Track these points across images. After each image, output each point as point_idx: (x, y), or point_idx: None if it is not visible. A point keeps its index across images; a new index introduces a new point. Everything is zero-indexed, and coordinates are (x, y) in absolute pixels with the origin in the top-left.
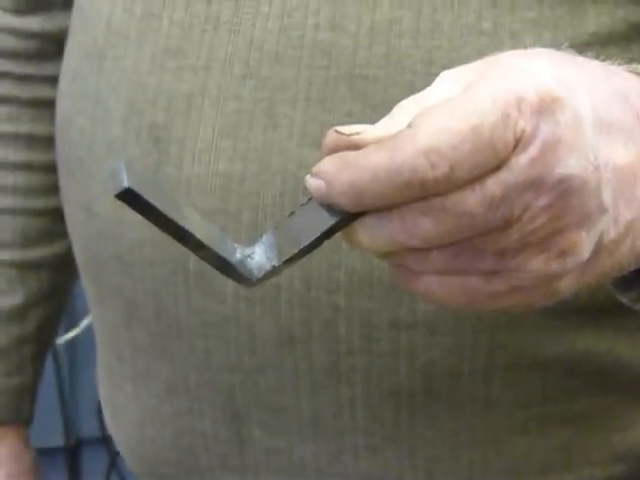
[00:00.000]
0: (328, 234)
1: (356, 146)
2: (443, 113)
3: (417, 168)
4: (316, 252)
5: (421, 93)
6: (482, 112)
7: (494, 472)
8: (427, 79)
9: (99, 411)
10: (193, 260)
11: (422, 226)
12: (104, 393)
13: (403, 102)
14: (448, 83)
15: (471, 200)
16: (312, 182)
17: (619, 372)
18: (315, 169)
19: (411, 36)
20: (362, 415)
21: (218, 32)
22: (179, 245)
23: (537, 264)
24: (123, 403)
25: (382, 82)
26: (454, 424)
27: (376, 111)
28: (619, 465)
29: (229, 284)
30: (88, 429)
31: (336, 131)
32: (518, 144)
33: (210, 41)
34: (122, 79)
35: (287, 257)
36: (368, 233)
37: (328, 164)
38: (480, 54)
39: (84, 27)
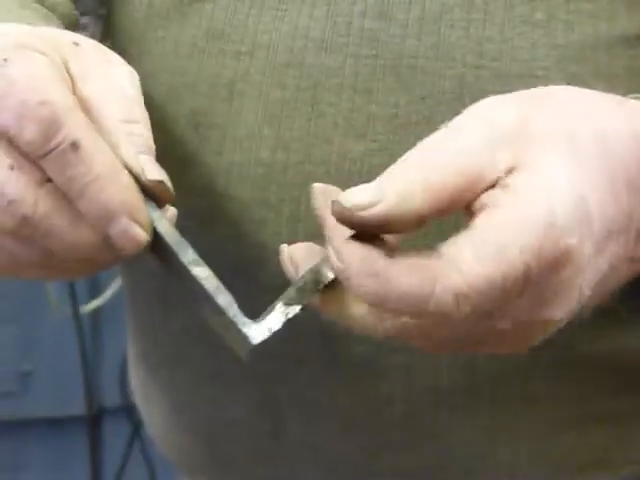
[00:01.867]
0: None
1: (361, 224)
2: (474, 253)
3: (443, 304)
4: None
5: (436, 138)
6: (510, 262)
7: (533, 470)
8: (477, 72)
9: (122, 380)
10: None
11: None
12: (137, 379)
13: (414, 154)
14: (470, 132)
15: (473, 326)
16: (336, 264)
17: None
18: (341, 255)
19: (462, 26)
20: (401, 411)
21: (263, 17)
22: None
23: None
24: (157, 389)
25: (430, 73)
26: (494, 421)
27: (424, 103)
28: None
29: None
30: (111, 398)
31: (338, 204)
32: (525, 290)
33: (254, 26)
34: (162, 63)
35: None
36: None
37: (356, 262)
38: (533, 46)
39: (124, 9)
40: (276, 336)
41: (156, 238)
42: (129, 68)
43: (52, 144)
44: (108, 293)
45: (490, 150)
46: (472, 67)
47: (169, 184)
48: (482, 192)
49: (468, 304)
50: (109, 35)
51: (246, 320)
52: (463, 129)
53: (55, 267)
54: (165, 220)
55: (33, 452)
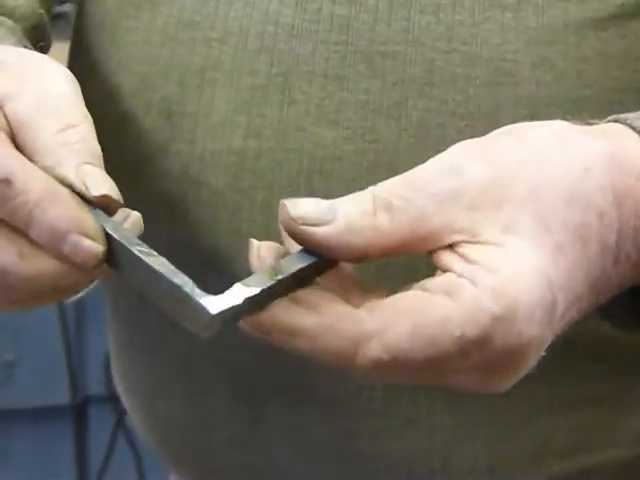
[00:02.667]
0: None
1: (302, 240)
2: (410, 332)
3: (363, 368)
4: None
5: (403, 180)
6: (442, 349)
7: (514, 454)
8: (447, 56)
9: (106, 369)
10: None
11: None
12: (117, 369)
13: (381, 190)
14: (436, 188)
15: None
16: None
17: None
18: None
19: (432, 11)
20: (380, 397)
21: (233, 4)
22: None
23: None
24: (136, 379)
25: (401, 59)
26: (473, 404)
27: (395, 89)
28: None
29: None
30: (95, 387)
31: (285, 210)
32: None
33: (225, 13)
34: (134, 51)
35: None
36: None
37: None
38: (502, 30)
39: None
40: (236, 315)
41: (112, 245)
42: (61, 68)
43: None
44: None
45: (450, 213)
46: (442, 52)
47: (114, 194)
48: (438, 249)
49: (388, 369)
50: (81, 24)
51: (204, 294)
52: (432, 184)
53: (24, 300)
54: (114, 224)
55: (18, 442)
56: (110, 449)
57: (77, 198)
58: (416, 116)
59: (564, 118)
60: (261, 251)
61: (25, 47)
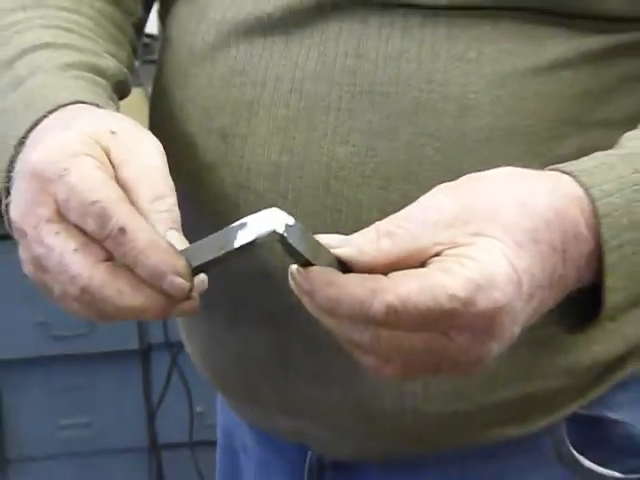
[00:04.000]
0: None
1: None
2: (419, 286)
3: (378, 313)
4: None
5: (400, 215)
6: (439, 303)
7: (471, 384)
8: (428, 95)
9: (164, 322)
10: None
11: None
12: (182, 320)
13: (383, 224)
14: (421, 218)
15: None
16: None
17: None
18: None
19: (416, 61)
20: None
21: (272, 57)
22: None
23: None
24: (196, 328)
25: (394, 97)
26: None
27: (389, 119)
28: (568, 378)
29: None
30: (156, 336)
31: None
32: (454, 324)
33: (265, 64)
34: (199, 91)
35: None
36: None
37: (317, 275)
38: (467, 75)
39: (172, 52)
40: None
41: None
42: (155, 143)
43: (106, 232)
44: None
45: (433, 233)
46: (424, 91)
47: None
48: (425, 260)
49: (396, 317)
50: (161, 72)
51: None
52: (420, 217)
53: (110, 320)
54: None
55: (100, 378)
56: (167, 383)
57: (172, 247)
58: (404, 138)
59: (512, 145)
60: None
61: (112, 101)
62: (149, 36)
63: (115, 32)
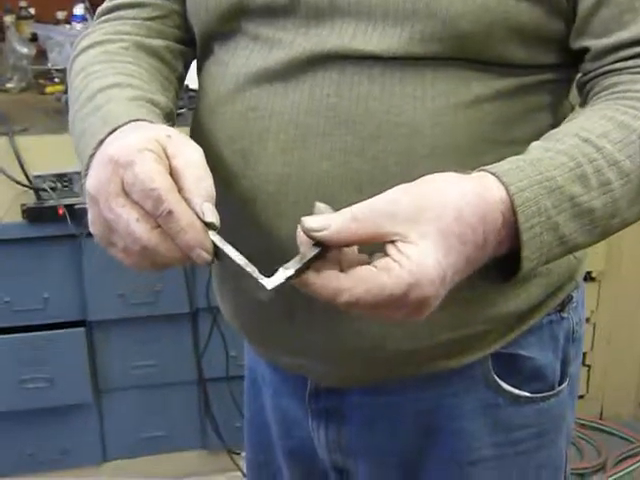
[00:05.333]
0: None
1: (314, 239)
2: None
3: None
4: None
5: (371, 205)
6: (381, 298)
7: (419, 330)
8: (387, 123)
9: (207, 289)
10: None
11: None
12: (215, 284)
13: (357, 208)
14: (384, 210)
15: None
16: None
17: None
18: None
19: (379, 99)
20: None
21: (276, 98)
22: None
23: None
24: (225, 295)
25: (364, 124)
26: None
27: (362, 140)
28: (493, 325)
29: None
30: (201, 301)
31: (302, 224)
32: (393, 306)
33: (272, 103)
34: (223, 124)
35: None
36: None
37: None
38: (415, 107)
39: (206, 97)
40: (282, 286)
41: (217, 248)
42: (195, 145)
43: (159, 212)
44: None
45: (392, 223)
46: (385, 120)
47: (216, 220)
48: (386, 241)
49: (356, 307)
50: (197, 111)
51: (263, 276)
52: (381, 207)
53: (159, 267)
54: (219, 238)
55: (162, 333)
56: (209, 335)
57: (204, 227)
58: (371, 155)
59: (448, 158)
60: (301, 239)
61: (164, 124)
62: (193, 90)
63: (163, 80)
